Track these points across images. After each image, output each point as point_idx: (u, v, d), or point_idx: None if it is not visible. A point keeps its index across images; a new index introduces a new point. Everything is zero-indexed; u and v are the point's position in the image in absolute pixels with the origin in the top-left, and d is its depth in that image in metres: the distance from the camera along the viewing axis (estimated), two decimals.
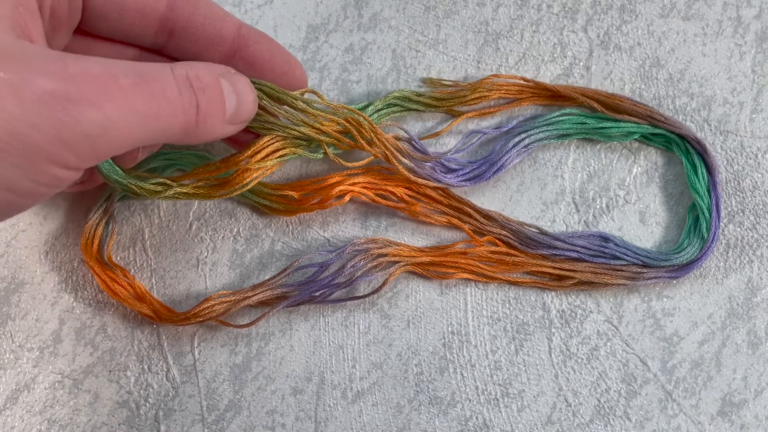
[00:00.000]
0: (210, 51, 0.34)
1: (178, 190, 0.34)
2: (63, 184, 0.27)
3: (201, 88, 0.29)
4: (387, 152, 0.36)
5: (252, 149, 0.34)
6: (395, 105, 0.39)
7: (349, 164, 0.36)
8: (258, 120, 0.34)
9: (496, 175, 0.39)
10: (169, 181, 0.34)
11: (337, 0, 0.41)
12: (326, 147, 0.36)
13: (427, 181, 0.38)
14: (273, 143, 0.35)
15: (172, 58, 0.35)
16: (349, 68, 0.40)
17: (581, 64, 0.41)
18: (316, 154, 0.36)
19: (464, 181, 0.38)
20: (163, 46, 0.34)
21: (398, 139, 0.37)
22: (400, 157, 0.37)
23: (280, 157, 0.35)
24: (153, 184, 0.34)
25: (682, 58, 0.41)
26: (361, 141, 0.36)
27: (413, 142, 0.37)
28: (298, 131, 0.35)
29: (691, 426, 0.38)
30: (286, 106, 0.34)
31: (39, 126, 0.24)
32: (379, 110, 0.39)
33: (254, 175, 0.34)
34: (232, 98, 0.31)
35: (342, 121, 0.35)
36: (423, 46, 0.41)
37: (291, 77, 0.36)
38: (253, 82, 0.33)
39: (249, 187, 0.34)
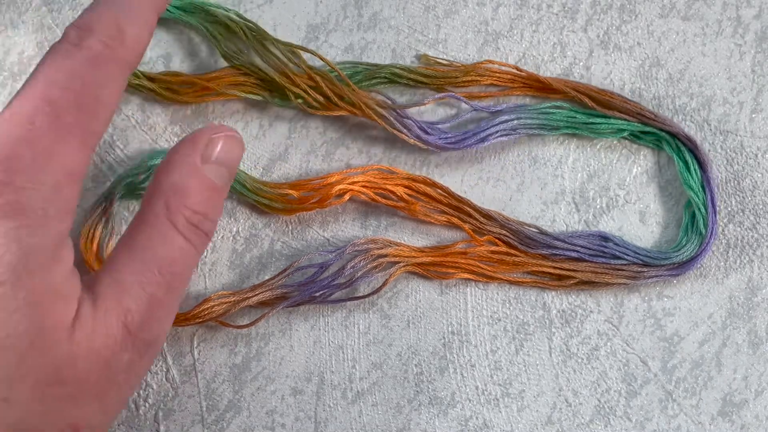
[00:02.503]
0: None
1: (143, 82, 0.38)
2: None
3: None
4: (360, 103, 0.37)
5: (216, 72, 0.38)
6: (383, 76, 0.39)
7: (319, 113, 0.38)
8: (231, 49, 0.38)
9: (479, 146, 0.39)
10: (139, 73, 0.38)
11: (336, 0, 0.41)
12: (294, 98, 0.37)
13: (406, 136, 0.38)
14: (238, 75, 0.38)
15: None
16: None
17: (581, 64, 0.41)
18: (281, 103, 0.38)
19: (447, 143, 0.38)
20: None
21: (381, 107, 0.38)
22: (377, 108, 0.38)
23: (243, 91, 0.38)
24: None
25: (681, 58, 0.41)
26: (333, 96, 0.37)
27: (397, 111, 0.38)
28: (267, 74, 0.37)
29: (692, 426, 0.38)
30: (263, 48, 0.38)
31: (47, 414, 0.26)
32: (369, 79, 0.39)
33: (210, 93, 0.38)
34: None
35: (315, 76, 0.37)
36: (423, 46, 0.41)
37: None
38: (238, 24, 0.38)
39: (204, 101, 0.38)
